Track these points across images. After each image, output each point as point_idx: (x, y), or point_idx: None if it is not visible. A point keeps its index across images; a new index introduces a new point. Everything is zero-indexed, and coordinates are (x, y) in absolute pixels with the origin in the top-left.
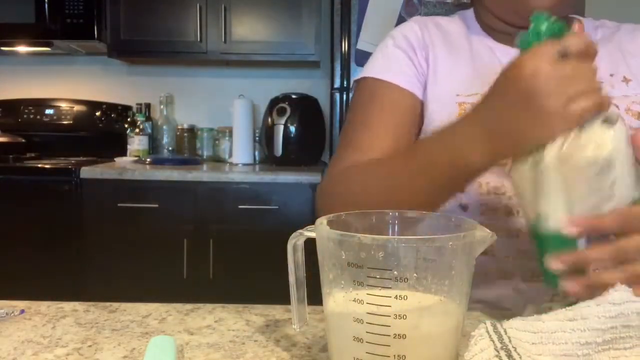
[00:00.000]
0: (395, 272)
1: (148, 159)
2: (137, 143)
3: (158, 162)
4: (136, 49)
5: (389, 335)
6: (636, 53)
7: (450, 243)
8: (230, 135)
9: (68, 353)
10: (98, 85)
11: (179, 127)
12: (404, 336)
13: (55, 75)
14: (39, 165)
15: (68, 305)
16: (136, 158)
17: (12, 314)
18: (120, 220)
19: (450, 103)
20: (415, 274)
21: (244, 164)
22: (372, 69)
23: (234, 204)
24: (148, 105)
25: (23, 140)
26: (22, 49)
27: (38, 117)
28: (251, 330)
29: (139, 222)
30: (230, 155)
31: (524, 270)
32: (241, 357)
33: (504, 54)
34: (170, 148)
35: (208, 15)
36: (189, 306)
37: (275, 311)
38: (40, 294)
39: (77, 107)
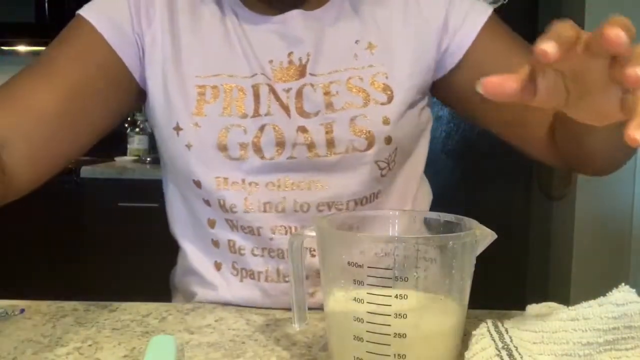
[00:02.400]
0: (396, 272)
1: (148, 159)
2: (137, 142)
3: (158, 161)
4: None
5: (390, 335)
6: (391, 19)
7: (451, 242)
8: None
9: (68, 352)
10: None
11: None
12: (405, 335)
13: None
14: None
15: (68, 305)
16: (136, 158)
17: (12, 314)
18: (120, 220)
19: (186, 83)
20: (415, 273)
21: None
22: (90, 12)
23: None
24: None
25: None
26: (22, 48)
27: None
28: (251, 329)
29: (139, 222)
30: None
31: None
32: (241, 357)
33: (253, 28)
34: None
35: None
36: (189, 305)
37: (275, 310)
38: (41, 293)
39: None
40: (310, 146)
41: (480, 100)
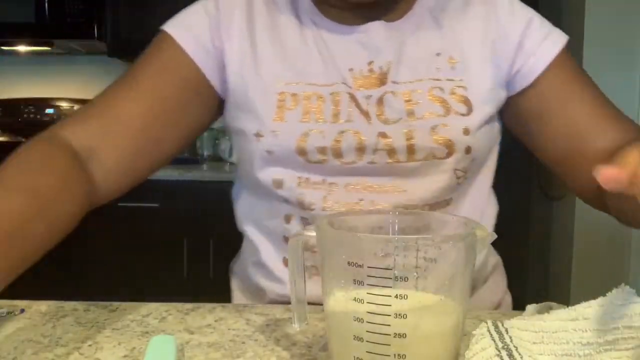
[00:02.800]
0: (396, 272)
1: None
2: None
3: None
4: (136, 48)
5: (389, 335)
6: (471, 35)
7: (451, 242)
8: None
9: (68, 352)
10: (98, 85)
11: None
12: (404, 335)
13: (55, 74)
14: None
15: (68, 305)
16: None
17: (12, 313)
18: (120, 220)
19: (268, 92)
20: (415, 274)
21: None
22: (176, 30)
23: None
24: None
25: (23, 140)
26: (22, 48)
27: (38, 117)
28: (251, 329)
29: (139, 221)
30: (231, 154)
31: None
32: (241, 357)
33: (333, 38)
34: None
35: None
36: (189, 305)
37: (275, 310)
38: (41, 293)
39: (77, 107)
40: (391, 152)
41: (537, 132)
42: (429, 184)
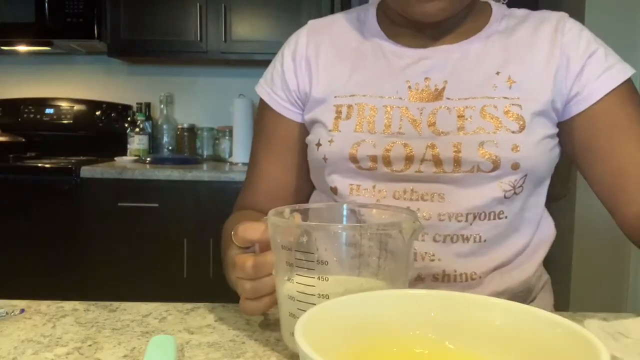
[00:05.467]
0: (317, 255)
1: (148, 159)
2: (137, 142)
3: (158, 161)
4: (136, 48)
5: None
6: (535, 59)
7: (362, 231)
8: (231, 135)
9: (68, 352)
10: (98, 85)
11: (179, 126)
12: None
13: (55, 74)
14: (39, 165)
15: (68, 305)
16: (136, 157)
17: (12, 314)
18: (120, 220)
19: (328, 105)
20: (335, 258)
21: (244, 164)
22: (262, 88)
23: (234, 203)
24: (148, 105)
25: (23, 140)
26: (22, 48)
27: (38, 116)
28: (251, 329)
29: (139, 221)
30: (231, 154)
31: None
32: (241, 357)
33: (393, 54)
34: (170, 147)
35: (208, 14)
36: (189, 305)
37: (275, 310)
38: (41, 293)
39: (77, 107)
40: (438, 163)
41: (585, 162)
42: (472, 195)
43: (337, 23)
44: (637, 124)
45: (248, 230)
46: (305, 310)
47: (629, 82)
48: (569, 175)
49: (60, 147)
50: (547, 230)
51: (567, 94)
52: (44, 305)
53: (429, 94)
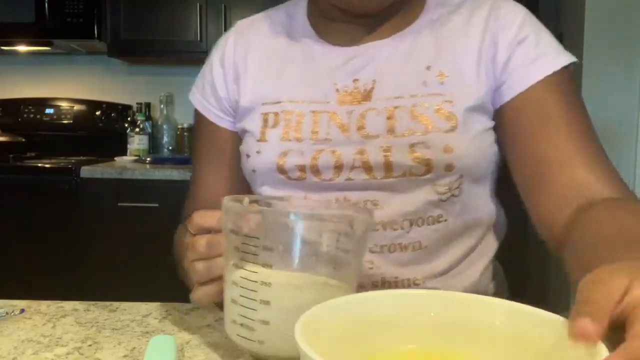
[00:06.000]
0: (263, 242)
1: (148, 159)
2: (137, 142)
3: (158, 161)
4: (136, 48)
5: (256, 300)
6: (467, 49)
7: (318, 221)
8: None
9: (68, 352)
10: (98, 85)
11: (179, 126)
12: (268, 303)
13: (55, 74)
14: (39, 165)
15: (68, 305)
16: (136, 157)
17: (12, 314)
18: (120, 220)
19: (256, 113)
20: (281, 246)
21: None
22: (194, 96)
23: None
24: (148, 105)
25: (23, 140)
26: (22, 48)
27: (38, 116)
28: None
29: (139, 221)
30: None
31: None
32: (241, 357)
33: (322, 55)
34: (170, 147)
35: (208, 14)
36: (189, 305)
37: None
38: (41, 293)
39: (77, 107)
40: (368, 169)
41: (509, 152)
42: (407, 200)
43: (265, 22)
44: (567, 118)
45: (204, 217)
46: (246, 297)
47: (564, 72)
48: None
49: (60, 147)
50: (497, 229)
51: (496, 82)
52: (44, 305)
53: (357, 95)
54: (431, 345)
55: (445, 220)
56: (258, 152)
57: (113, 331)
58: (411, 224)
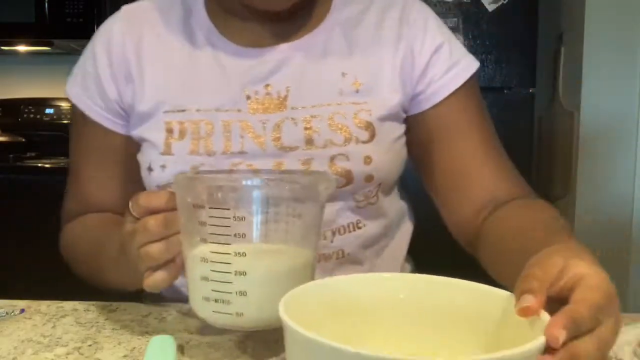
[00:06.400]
0: (234, 212)
1: None
2: None
3: None
4: None
5: (231, 273)
6: (380, 56)
7: (286, 186)
8: None
9: (68, 352)
10: None
11: None
12: (244, 273)
13: (55, 74)
14: (39, 165)
15: (68, 305)
16: None
17: (12, 313)
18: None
19: (157, 120)
20: (253, 215)
21: None
22: (73, 91)
23: None
24: None
25: (23, 140)
26: (22, 48)
27: (38, 117)
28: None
29: None
30: None
31: None
32: (241, 357)
33: (227, 56)
34: None
35: None
36: (189, 305)
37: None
38: (41, 293)
39: None
40: None
41: (423, 160)
42: (327, 211)
43: (158, 12)
44: (477, 126)
45: (150, 197)
46: (220, 271)
47: (471, 79)
48: (569, 176)
49: (60, 147)
50: (406, 224)
51: (411, 91)
52: (44, 305)
53: (271, 103)
54: (400, 325)
55: (365, 226)
56: (163, 166)
57: (113, 331)
58: (333, 234)
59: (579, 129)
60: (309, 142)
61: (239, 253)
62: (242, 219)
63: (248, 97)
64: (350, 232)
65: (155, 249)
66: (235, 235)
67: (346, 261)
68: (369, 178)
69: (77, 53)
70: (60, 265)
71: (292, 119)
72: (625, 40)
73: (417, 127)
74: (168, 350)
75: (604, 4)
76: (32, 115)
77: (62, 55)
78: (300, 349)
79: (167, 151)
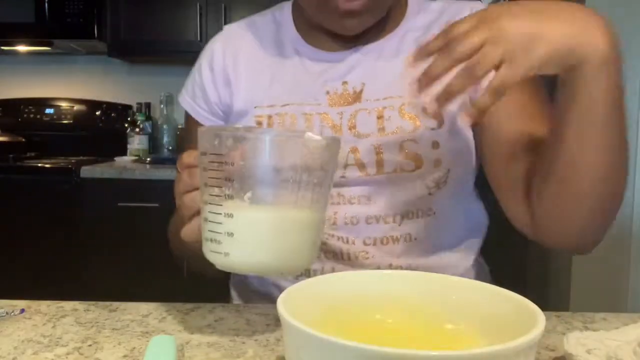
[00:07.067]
0: (225, 157)
1: (148, 159)
2: (137, 143)
3: (158, 161)
4: (136, 48)
5: (221, 214)
6: None
7: (272, 137)
8: None
9: (68, 352)
10: (98, 85)
11: (179, 126)
12: (232, 215)
13: (55, 74)
14: (39, 165)
15: (68, 305)
16: (136, 157)
17: (12, 313)
18: (120, 220)
19: (249, 117)
20: (241, 161)
21: None
22: (184, 99)
23: None
24: (148, 105)
25: (23, 140)
26: (22, 48)
27: (38, 116)
28: (251, 329)
29: (139, 222)
30: None
31: None
32: (241, 357)
33: (311, 59)
34: (170, 148)
35: (208, 14)
36: (189, 305)
37: (276, 310)
38: (41, 293)
39: (77, 107)
40: (361, 166)
41: (480, 145)
42: (397, 195)
43: (253, 27)
44: (519, 91)
45: (189, 155)
46: (214, 212)
47: None
48: None
49: (60, 147)
50: (480, 219)
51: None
52: (44, 305)
53: (347, 97)
54: (399, 322)
55: (434, 213)
56: None
57: (113, 331)
58: (402, 217)
59: None
60: (381, 129)
61: (227, 195)
62: (233, 164)
63: (327, 93)
64: (418, 217)
65: (188, 197)
66: (226, 179)
67: (414, 245)
68: (437, 162)
69: (77, 53)
70: (60, 265)
71: (366, 109)
72: (625, 40)
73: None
74: (168, 350)
75: (604, 4)
76: (32, 115)
77: (62, 55)
78: (299, 344)
79: None
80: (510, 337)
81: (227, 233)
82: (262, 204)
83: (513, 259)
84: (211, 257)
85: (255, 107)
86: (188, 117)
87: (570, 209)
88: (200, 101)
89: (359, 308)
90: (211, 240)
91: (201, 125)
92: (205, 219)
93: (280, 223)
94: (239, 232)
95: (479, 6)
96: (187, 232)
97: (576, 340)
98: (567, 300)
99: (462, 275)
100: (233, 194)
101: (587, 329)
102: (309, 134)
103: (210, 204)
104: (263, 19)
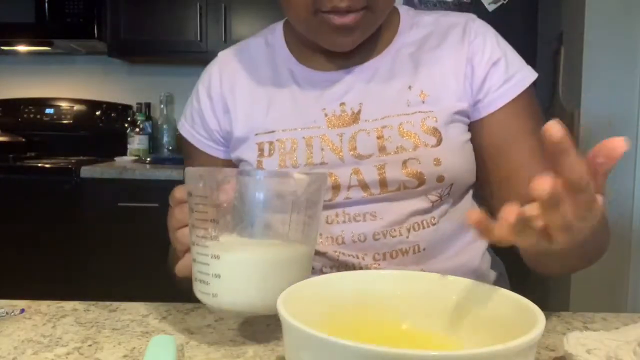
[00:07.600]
0: (210, 200)
1: (148, 159)
2: (137, 142)
3: (158, 161)
4: (136, 48)
5: (208, 255)
6: (444, 69)
7: (257, 178)
8: None
9: (68, 352)
10: (98, 85)
11: None
12: (218, 257)
13: (55, 74)
14: (39, 165)
15: (68, 305)
16: (136, 157)
17: (12, 313)
18: (120, 220)
19: (250, 143)
20: (225, 202)
21: None
22: (183, 126)
23: None
24: (148, 105)
25: (23, 140)
26: (22, 48)
27: (38, 116)
28: (251, 329)
29: (139, 222)
30: None
31: None
32: (241, 357)
33: (307, 82)
34: (170, 147)
35: (208, 14)
36: (189, 305)
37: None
38: (41, 293)
39: (77, 107)
40: (364, 187)
41: (480, 166)
42: (402, 209)
43: (247, 51)
44: (531, 134)
45: (180, 190)
46: (201, 254)
47: (527, 90)
48: None
49: (60, 147)
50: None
51: (472, 99)
52: (44, 305)
53: (345, 118)
54: (399, 319)
55: (438, 223)
56: None
57: (113, 331)
58: (409, 230)
59: (579, 129)
60: (382, 149)
61: (213, 237)
62: (218, 206)
63: (326, 115)
64: (424, 228)
65: (180, 233)
66: (212, 220)
67: (423, 256)
68: (440, 178)
69: (77, 53)
70: (60, 265)
71: (365, 130)
72: (625, 40)
73: (476, 134)
74: (168, 350)
75: (604, 4)
76: (32, 115)
77: (62, 55)
78: (299, 345)
79: (259, 167)
80: (510, 337)
81: (214, 275)
82: (247, 245)
83: (514, 261)
84: (200, 297)
85: (256, 135)
86: (187, 144)
87: (554, 267)
88: (199, 128)
89: (359, 308)
90: (200, 280)
91: (202, 152)
92: (194, 260)
93: (266, 263)
94: (225, 274)
95: (473, 18)
96: (180, 268)
97: (576, 340)
98: (567, 300)
99: (477, 272)
100: (219, 235)
101: (587, 329)
102: (295, 173)
103: (197, 245)
104: (256, 41)
